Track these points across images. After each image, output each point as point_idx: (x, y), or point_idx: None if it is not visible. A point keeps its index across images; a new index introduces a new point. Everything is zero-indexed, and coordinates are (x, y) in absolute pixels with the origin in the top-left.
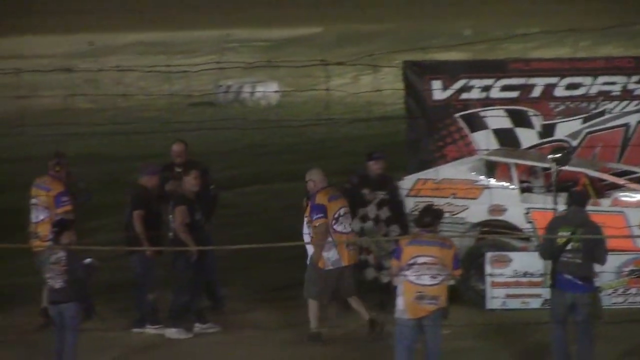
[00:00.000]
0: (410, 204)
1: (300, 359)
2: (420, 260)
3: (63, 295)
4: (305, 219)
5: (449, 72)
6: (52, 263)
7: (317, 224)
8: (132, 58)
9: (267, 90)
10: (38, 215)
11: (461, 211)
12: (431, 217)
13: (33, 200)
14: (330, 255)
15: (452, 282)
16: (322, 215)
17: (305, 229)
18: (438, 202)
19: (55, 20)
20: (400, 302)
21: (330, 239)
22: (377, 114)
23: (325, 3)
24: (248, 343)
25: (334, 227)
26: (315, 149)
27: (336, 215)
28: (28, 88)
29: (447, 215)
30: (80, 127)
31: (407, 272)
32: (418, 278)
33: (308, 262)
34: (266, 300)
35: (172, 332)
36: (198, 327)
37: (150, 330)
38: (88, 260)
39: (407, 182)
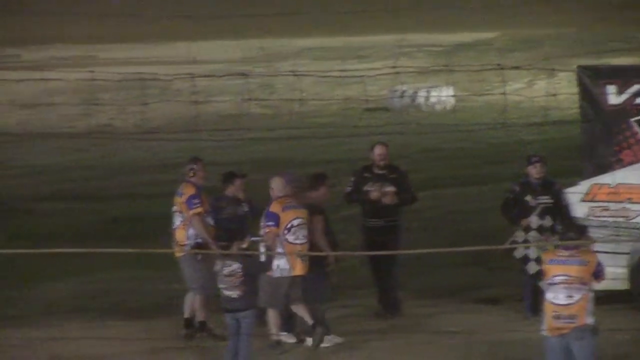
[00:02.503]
0: (585, 209)
1: None
2: (558, 279)
3: (240, 303)
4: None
5: (623, 76)
6: (226, 275)
7: (266, 231)
8: (307, 63)
9: (443, 95)
10: (175, 222)
11: (637, 216)
12: (575, 232)
13: (173, 208)
14: (281, 264)
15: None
16: (272, 223)
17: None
18: (613, 206)
19: (228, 26)
20: (543, 319)
21: (280, 249)
22: (553, 119)
23: (501, 7)
24: (421, 349)
25: (286, 236)
26: (491, 154)
27: (289, 226)
28: (202, 93)
29: (622, 220)
30: (255, 132)
31: (547, 291)
32: (555, 297)
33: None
34: (439, 305)
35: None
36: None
37: (286, 338)
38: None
39: (582, 187)
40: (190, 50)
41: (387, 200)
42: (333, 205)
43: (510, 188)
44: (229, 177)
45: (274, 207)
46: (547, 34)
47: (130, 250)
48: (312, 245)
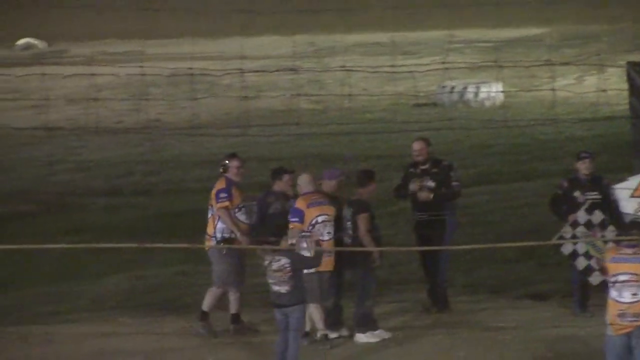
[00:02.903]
0: (634, 205)
1: None
2: (622, 278)
3: (288, 298)
4: None
5: None
6: (275, 270)
7: (290, 227)
8: (356, 59)
9: (492, 91)
10: (208, 215)
11: None
12: (637, 230)
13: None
14: None
15: None
16: (297, 220)
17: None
18: None
19: (279, 21)
20: (607, 316)
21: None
22: (602, 115)
23: (551, 3)
24: (470, 344)
25: (310, 231)
26: (540, 150)
27: (313, 222)
28: (252, 89)
29: None
30: (304, 127)
31: (611, 289)
32: (620, 295)
33: None
34: (488, 301)
35: (361, 337)
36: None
37: (331, 335)
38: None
39: (631, 183)
40: (241, 45)
41: (422, 196)
42: (380, 200)
43: (559, 184)
44: (278, 173)
45: (299, 203)
46: (597, 30)
47: (179, 245)
48: (357, 242)
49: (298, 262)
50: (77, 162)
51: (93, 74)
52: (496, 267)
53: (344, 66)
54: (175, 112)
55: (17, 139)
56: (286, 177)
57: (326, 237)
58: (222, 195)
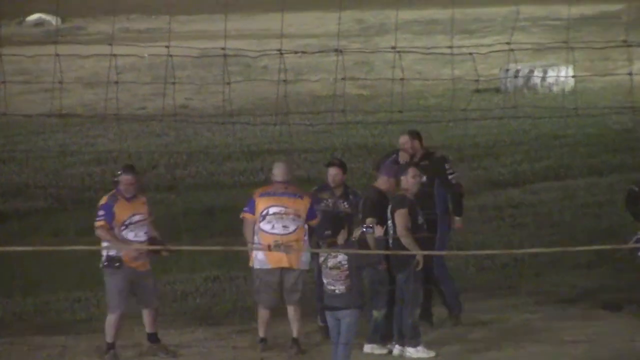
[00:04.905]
0: None
1: None
2: None
3: (344, 300)
4: None
5: None
6: (330, 268)
7: (241, 217)
8: (409, 38)
9: (561, 75)
10: None
11: None
12: None
13: None
14: (258, 255)
15: None
16: (247, 209)
17: None
18: None
19: None
20: None
21: (255, 236)
22: None
23: None
24: (537, 359)
25: (260, 224)
26: (616, 141)
27: (264, 213)
28: (292, 71)
29: None
30: (351, 115)
31: None
32: None
33: None
34: (556, 311)
35: (413, 352)
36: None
37: (375, 350)
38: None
39: None
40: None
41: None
42: None
43: (635, 180)
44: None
45: (255, 193)
46: None
47: (210, 247)
48: (397, 242)
49: (357, 259)
50: (95, 153)
51: (113, 55)
52: (565, 273)
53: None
54: (205, 97)
55: (28, 127)
56: (332, 171)
57: (281, 231)
58: (100, 213)
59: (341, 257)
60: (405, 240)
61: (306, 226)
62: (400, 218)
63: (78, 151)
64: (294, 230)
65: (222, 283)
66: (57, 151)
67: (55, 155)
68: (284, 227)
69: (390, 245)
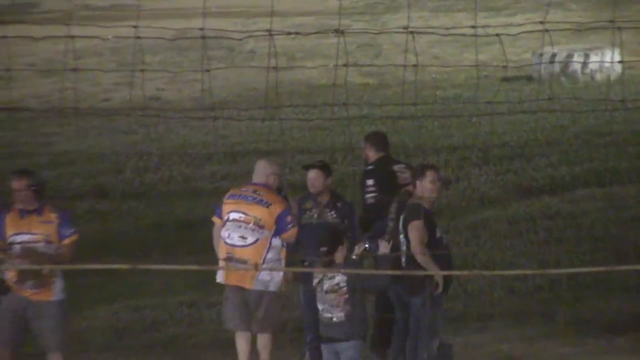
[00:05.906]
0: None
1: None
2: None
3: (340, 330)
4: None
5: None
6: (327, 292)
7: (212, 219)
8: (424, 16)
9: (606, 60)
10: None
11: None
12: None
13: None
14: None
15: None
16: (217, 212)
17: None
18: None
19: None
20: None
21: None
22: None
23: None
24: None
25: (221, 231)
26: None
27: (225, 218)
28: (284, 56)
29: None
30: (354, 108)
31: None
32: None
33: None
34: (602, 341)
35: None
36: None
37: None
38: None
39: None
40: None
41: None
42: (459, 207)
43: None
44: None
45: (228, 192)
46: None
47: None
48: (411, 259)
49: (358, 280)
50: (50, 154)
51: (70, 36)
52: (611, 297)
53: (407, 27)
54: (180, 87)
55: None
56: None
57: (237, 242)
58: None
59: (339, 279)
60: (421, 257)
61: (284, 243)
62: (414, 231)
63: (29, 152)
64: (252, 243)
65: (200, 309)
66: (5, 152)
67: (2, 157)
68: (241, 237)
69: (403, 264)
